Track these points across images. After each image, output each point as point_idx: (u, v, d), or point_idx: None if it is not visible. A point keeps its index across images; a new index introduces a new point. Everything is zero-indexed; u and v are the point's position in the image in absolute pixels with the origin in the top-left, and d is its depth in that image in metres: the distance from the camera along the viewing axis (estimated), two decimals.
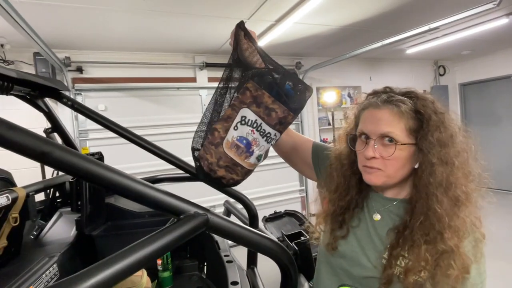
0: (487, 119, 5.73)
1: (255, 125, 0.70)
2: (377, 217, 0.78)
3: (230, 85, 0.73)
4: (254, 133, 0.70)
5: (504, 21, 3.42)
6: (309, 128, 4.72)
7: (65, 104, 1.28)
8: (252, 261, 1.32)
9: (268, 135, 0.72)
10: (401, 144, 0.70)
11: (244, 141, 0.70)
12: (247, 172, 0.74)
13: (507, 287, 2.54)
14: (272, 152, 1.07)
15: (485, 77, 5.58)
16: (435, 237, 0.67)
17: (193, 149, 0.76)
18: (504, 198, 5.19)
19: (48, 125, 1.41)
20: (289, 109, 0.70)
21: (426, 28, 2.84)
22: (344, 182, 0.82)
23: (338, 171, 0.84)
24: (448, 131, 0.70)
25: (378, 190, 0.81)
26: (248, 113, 0.70)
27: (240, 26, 0.72)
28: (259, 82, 0.70)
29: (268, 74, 0.70)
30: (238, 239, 0.68)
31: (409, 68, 5.51)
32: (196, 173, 0.78)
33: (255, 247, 0.72)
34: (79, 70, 3.40)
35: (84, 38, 3.07)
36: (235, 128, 0.70)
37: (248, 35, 0.71)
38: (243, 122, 0.70)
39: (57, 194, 1.44)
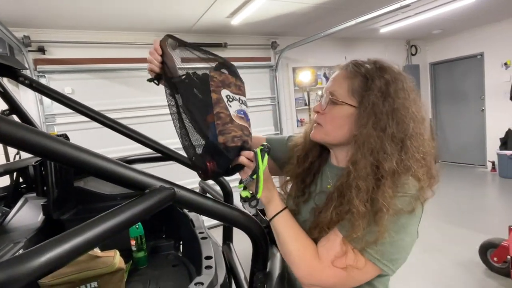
0: (455, 96, 5.98)
1: (237, 98, 0.76)
2: (330, 186, 0.79)
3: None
4: (242, 105, 0.76)
5: None
6: (286, 109, 4.74)
7: (23, 83, 1.20)
8: (227, 237, 1.34)
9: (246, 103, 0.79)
10: (337, 99, 0.73)
11: (242, 113, 0.75)
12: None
13: (470, 251, 2.75)
14: None
15: (454, 56, 5.78)
16: (350, 199, 0.66)
17: (194, 156, 0.71)
18: (470, 172, 5.50)
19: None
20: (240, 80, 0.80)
21: (397, 5, 2.87)
22: (307, 142, 0.85)
23: (306, 133, 0.87)
24: (393, 101, 0.68)
25: (333, 160, 0.82)
26: (227, 92, 0.74)
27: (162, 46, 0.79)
28: (215, 69, 0.77)
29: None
30: (207, 212, 0.68)
31: (383, 47, 5.59)
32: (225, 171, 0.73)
33: (225, 219, 0.72)
34: (41, 50, 3.17)
35: (45, 15, 2.85)
36: (229, 105, 0.73)
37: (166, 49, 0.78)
38: (230, 99, 0.73)
39: (21, 180, 1.38)
